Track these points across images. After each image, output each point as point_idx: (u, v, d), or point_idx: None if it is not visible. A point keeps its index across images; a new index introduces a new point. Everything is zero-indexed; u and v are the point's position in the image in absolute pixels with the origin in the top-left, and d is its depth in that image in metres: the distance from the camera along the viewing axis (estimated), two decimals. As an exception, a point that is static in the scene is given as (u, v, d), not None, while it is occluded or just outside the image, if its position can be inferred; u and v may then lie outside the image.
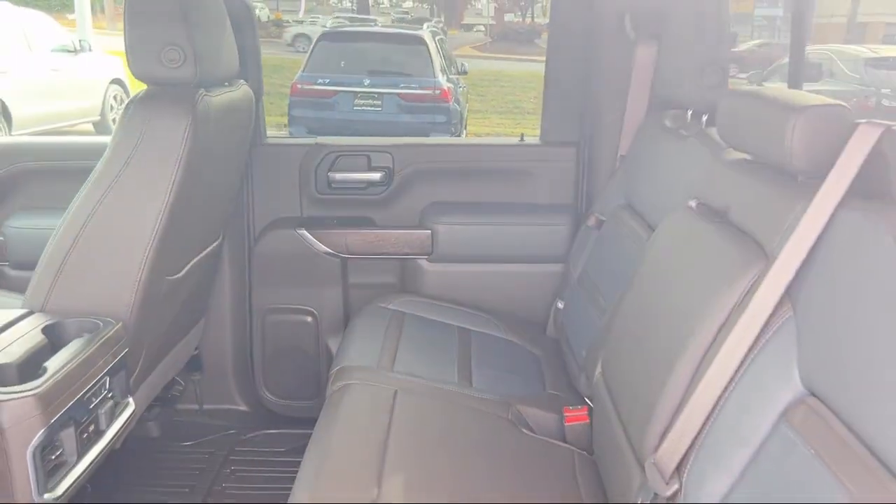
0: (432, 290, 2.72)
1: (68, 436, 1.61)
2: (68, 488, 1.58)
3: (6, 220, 2.66)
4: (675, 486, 1.32)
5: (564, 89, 2.77)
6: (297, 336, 2.79)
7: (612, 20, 2.52)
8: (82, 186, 1.88)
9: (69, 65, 9.59)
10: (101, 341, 1.73)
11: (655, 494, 1.37)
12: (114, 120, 9.93)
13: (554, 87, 2.79)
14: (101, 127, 9.92)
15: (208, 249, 2.35)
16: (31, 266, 1.90)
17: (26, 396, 1.48)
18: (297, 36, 19.93)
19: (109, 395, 1.79)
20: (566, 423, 1.98)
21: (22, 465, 1.48)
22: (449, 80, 9.53)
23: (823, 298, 1.17)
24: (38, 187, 2.71)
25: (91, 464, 1.68)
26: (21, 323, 1.74)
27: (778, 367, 1.20)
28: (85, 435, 1.67)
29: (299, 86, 9.19)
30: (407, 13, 31.92)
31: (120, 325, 1.82)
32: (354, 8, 27.44)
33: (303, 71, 9.32)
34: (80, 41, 10.11)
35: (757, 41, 18.09)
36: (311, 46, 9.60)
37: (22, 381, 1.53)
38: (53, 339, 1.72)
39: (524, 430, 1.91)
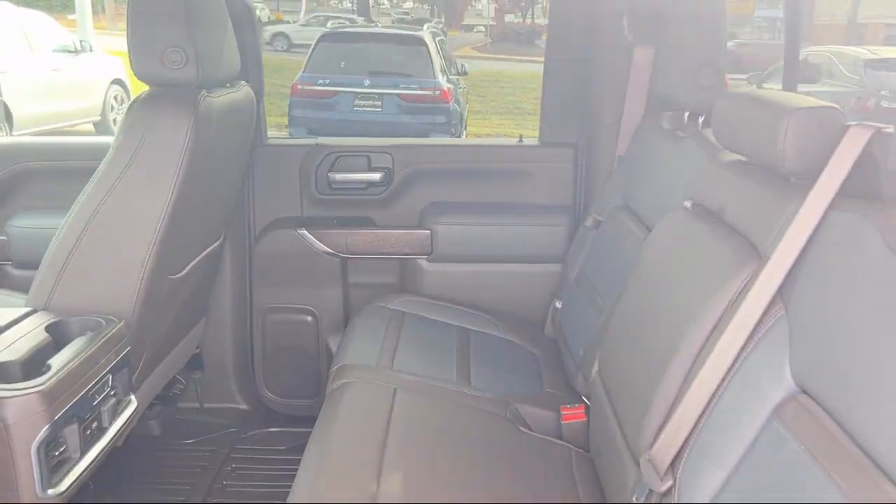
0: (432, 290, 2.74)
1: (72, 432, 1.62)
2: (72, 484, 1.60)
3: (9, 219, 2.68)
4: (670, 482, 1.34)
5: (563, 91, 2.79)
6: (298, 335, 2.80)
7: (611, 22, 2.54)
8: (85, 186, 1.90)
9: (70, 65, 9.58)
10: (103, 339, 1.75)
11: (650, 490, 1.38)
12: (114, 120, 9.95)
13: (552, 88, 2.80)
14: (101, 127, 9.92)
15: (209, 249, 2.37)
16: (34, 265, 1.91)
17: (31, 393, 1.50)
18: (276, 35, 19.81)
19: (112, 393, 1.80)
20: (563, 422, 1.99)
21: (26, 461, 1.50)
22: (449, 80, 9.51)
23: (815, 298, 1.19)
24: (39, 187, 2.72)
25: (94, 460, 1.69)
26: (25, 321, 1.76)
27: (770, 365, 1.22)
28: (88, 432, 1.69)
29: (299, 86, 9.18)
30: (407, 14, 31.94)
31: (122, 323, 1.84)
32: (355, 8, 27.38)
33: (303, 71, 9.31)
34: (80, 41, 10.09)
35: (737, 41, 17.94)
36: (312, 47, 9.60)
37: (26, 378, 1.55)
38: (57, 337, 1.73)
39: (522, 429, 1.93)
